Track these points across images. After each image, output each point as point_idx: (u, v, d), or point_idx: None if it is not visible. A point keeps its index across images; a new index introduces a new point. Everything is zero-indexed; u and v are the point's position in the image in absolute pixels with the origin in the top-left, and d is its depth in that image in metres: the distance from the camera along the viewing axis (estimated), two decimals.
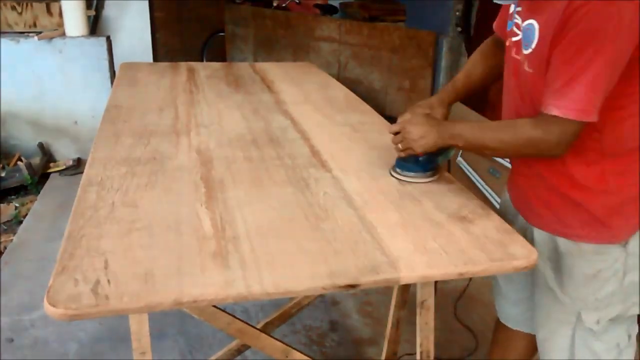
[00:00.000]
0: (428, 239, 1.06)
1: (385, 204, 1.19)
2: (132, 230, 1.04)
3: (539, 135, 1.07)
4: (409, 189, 1.27)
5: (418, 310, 1.20)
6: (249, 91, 2.06)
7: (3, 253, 2.61)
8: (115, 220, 1.07)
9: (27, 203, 3.15)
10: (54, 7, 3.61)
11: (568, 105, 1.02)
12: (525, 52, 1.13)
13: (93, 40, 3.51)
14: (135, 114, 1.69)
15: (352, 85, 3.38)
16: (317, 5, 5.51)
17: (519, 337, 1.53)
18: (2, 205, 3.09)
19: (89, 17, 3.63)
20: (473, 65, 1.43)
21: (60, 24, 3.58)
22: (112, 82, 3.38)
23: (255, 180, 1.29)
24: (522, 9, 1.16)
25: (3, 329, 2.07)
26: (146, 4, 3.99)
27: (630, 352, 1.28)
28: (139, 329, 0.99)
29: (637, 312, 1.24)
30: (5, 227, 2.93)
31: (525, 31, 1.13)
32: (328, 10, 5.48)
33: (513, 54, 1.20)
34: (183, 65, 2.39)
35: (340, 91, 2.14)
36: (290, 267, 0.95)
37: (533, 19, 1.10)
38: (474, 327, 2.20)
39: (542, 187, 1.21)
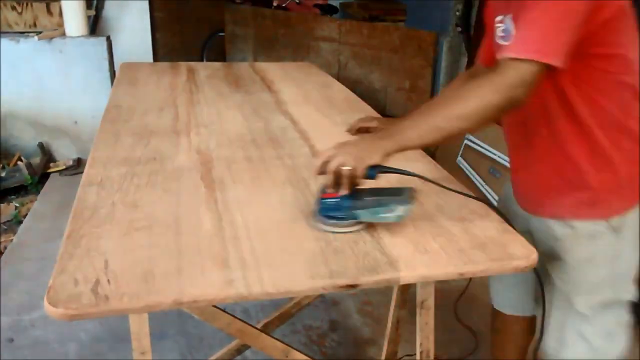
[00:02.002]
0: (428, 239, 1.06)
1: None
2: (132, 230, 1.04)
3: (495, 80, 1.01)
4: None
5: (418, 310, 1.20)
6: (249, 91, 2.06)
7: (3, 253, 2.61)
8: (115, 220, 1.07)
9: (27, 203, 3.15)
10: (54, 7, 3.61)
11: (520, 45, 1.00)
12: (506, 43, 1.09)
13: (93, 40, 3.51)
14: (135, 114, 1.70)
15: (352, 85, 3.38)
16: (317, 5, 5.51)
17: (516, 322, 1.54)
18: (2, 205, 3.09)
19: (89, 17, 3.63)
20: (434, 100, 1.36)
21: (60, 24, 3.58)
22: (112, 82, 3.38)
23: (255, 180, 1.29)
24: (498, 14, 1.17)
25: (3, 329, 2.07)
26: (146, 4, 4.00)
27: (622, 339, 1.29)
28: (139, 329, 0.99)
29: (629, 298, 1.26)
30: (5, 227, 2.93)
31: (504, 30, 1.13)
32: (328, 10, 5.48)
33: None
34: (183, 65, 2.39)
35: (340, 91, 2.14)
36: (291, 267, 0.95)
37: (506, 12, 1.12)
38: (474, 327, 2.20)
39: (542, 175, 1.22)
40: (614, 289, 1.24)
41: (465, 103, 1.02)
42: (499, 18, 1.17)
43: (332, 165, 1.03)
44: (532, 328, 1.49)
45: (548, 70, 1.00)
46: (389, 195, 1.06)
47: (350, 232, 1.06)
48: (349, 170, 1.02)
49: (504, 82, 0.99)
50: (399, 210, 1.03)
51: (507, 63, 1.00)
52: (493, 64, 1.12)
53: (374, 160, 1.03)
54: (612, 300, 1.25)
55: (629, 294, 1.26)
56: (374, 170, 1.04)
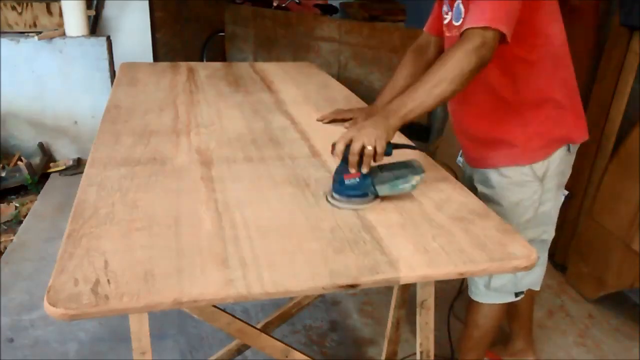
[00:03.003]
0: (428, 238, 1.06)
1: (385, 204, 1.19)
2: (132, 230, 1.04)
3: (465, 46, 1.18)
4: None
5: (418, 310, 1.21)
6: (249, 91, 2.06)
7: (3, 253, 2.61)
8: (115, 220, 1.07)
9: (27, 203, 3.15)
10: (54, 7, 3.61)
11: (478, 18, 1.19)
12: (457, 23, 1.36)
13: (93, 40, 3.51)
14: (135, 114, 1.70)
15: (352, 85, 3.37)
16: (317, 5, 5.51)
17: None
18: (2, 205, 3.09)
19: (89, 17, 3.63)
20: (396, 78, 1.66)
21: (60, 24, 3.58)
22: (112, 82, 3.38)
23: (255, 180, 1.29)
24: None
25: (3, 329, 2.07)
26: (146, 4, 3.99)
27: (537, 272, 1.62)
28: (139, 329, 0.99)
29: (547, 238, 1.57)
30: (5, 227, 2.93)
31: (455, 10, 1.38)
32: (328, 10, 5.48)
33: (448, 34, 1.44)
34: (183, 65, 2.39)
35: (340, 91, 2.15)
36: (290, 267, 0.95)
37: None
38: None
39: (478, 136, 1.51)
40: (537, 229, 1.52)
41: (447, 68, 1.18)
42: (446, 8, 1.44)
43: (356, 147, 1.14)
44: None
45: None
46: (402, 168, 1.18)
47: (369, 205, 1.16)
48: (371, 149, 1.13)
49: (473, 46, 1.18)
50: (414, 179, 1.16)
51: (471, 31, 1.19)
52: (437, 33, 1.58)
53: (389, 137, 1.18)
54: (535, 239, 1.52)
55: (548, 235, 1.57)
56: (390, 147, 1.17)
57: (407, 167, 1.18)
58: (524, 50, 1.33)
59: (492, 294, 1.61)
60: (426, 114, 1.28)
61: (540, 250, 1.54)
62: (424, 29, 1.67)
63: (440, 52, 1.57)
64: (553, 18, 1.36)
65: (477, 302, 1.66)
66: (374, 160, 1.15)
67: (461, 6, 1.35)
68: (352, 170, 1.15)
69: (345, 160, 1.16)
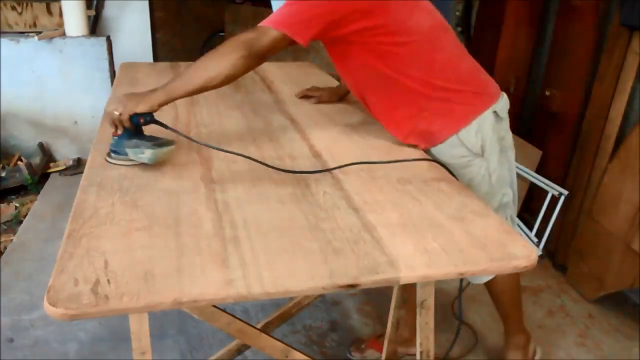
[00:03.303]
0: (428, 239, 1.06)
1: (385, 204, 1.19)
2: (132, 230, 1.04)
3: (242, 38, 1.30)
4: (409, 188, 1.27)
5: (418, 310, 1.21)
6: (249, 91, 2.06)
7: (3, 253, 2.61)
8: (115, 220, 1.07)
9: (27, 203, 3.15)
10: (54, 7, 3.61)
11: (269, 20, 1.32)
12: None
13: (93, 40, 3.51)
14: None
15: None
16: None
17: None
18: (2, 205, 3.09)
19: (89, 17, 3.62)
20: None
21: (60, 24, 3.57)
22: (112, 82, 3.38)
23: (255, 180, 1.29)
24: None
25: (3, 329, 2.07)
26: (146, 4, 3.99)
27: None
28: (139, 329, 0.99)
29: (507, 200, 1.61)
30: (5, 227, 2.93)
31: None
32: None
33: None
34: (183, 65, 2.39)
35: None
36: (290, 267, 0.95)
37: None
38: (473, 327, 2.21)
39: (410, 122, 1.53)
40: (496, 197, 1.58)
41: (219, 58, 1.32)
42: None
43: (106, 109, 1.33)
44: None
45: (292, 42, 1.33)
46: (149, 140, 1.31)
47: (125, 165, 1.29)
48: (117, 115, 1.28)
49: (240, 42, 1.31)
50: (148, 153, 1.27)
51: (255, 29, 1.32)
52: None
53: (140, 109, 1.28)
54: (498, 206, 1.59)
55: (507, 196, 1.61)
56: (137, 118, 1.28)
57: (153, 141, 1.31)
58: (394, 46, 1.41)
59: None
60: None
61: (507, 212, 1.62)
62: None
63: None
64: (407, 14, 1.41)
65: (488, 282, 1.73)
66: (123, 126, 1.29)
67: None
68: (113, 130, 1.31)
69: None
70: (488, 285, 1.79)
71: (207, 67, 1.31)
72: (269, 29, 1.31)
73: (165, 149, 1.30)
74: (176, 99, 1.32)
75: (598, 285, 2.36)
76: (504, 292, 1.82)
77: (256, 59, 1.32)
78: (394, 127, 1.56)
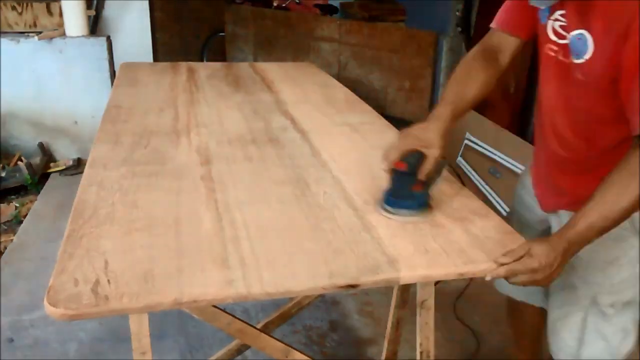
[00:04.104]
0: (428, 239, 1.06)
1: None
2: (132, 230, 1.04)
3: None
4: None
5: (418, 310, 1.20)
6: (249, 91, 2.06)
7: (3, 253, 2.61)
8: (115, 220, 1.07)
9: (27, 203, 3.15)
10: (54, 7, 3.60)
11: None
12: (577, 61, 1.09)
13: (93, 40, 3.51)
14: (135, 114, 1.69)
15: (352, 85, 3.38)
16: (317, 5, 5.51)
17: (531, 311, 1.57)
18: (2, 205, 3.09)
19: (89, 17, 3.62)
20: (464, 86, 1.26)
21: (60, 24, 3.57)
22: (112, 82, 3.37)
23: (255, 180, 1.29)
24: (568, 12, 1.10)
25: (3, 329, 2.07)
26: (146, 4, 3.99)
27: (634, 336, 1.32)
28: (139, 329, 0.99)
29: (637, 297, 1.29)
30: (5, 227, 2.93)
31: (574, 41, 1.08)
32: (328, 10, 5.48)
33: (560, 57, 1.14)
34: (183, 65, 2.39)
35: (340, 91, 2.14)
36: (290, 267, 0.95)
37: (584, 28, 1.06)
38: (475, 327, 2.20)
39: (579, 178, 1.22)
40: (636, 288, 1.26)
41: (636, 196, 0.98)
42: (556, 15, 1.14)
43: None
44: (543, 317, 1.48)
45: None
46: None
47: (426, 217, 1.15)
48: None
49: None
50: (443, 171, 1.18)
51: None
52: (518, 32, 1.25)
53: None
54: (633, 300, 1.27)
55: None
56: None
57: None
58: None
59: None
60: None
61: (637, 312, 1.31)
62: (497, 25, 1.30)
63: (516, 56, 1.30)
64: None
65: None
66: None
67: (589, 39, 1.05)
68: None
69: (410, 172, 1.11)
70: None
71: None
72: None
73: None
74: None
75: None
76: None
77: None
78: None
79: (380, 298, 2.32)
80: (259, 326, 1.85)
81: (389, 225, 1.10)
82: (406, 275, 0.96)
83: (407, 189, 1.12)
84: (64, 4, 3.46)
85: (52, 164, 3.58)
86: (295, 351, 1.27)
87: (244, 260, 0.96)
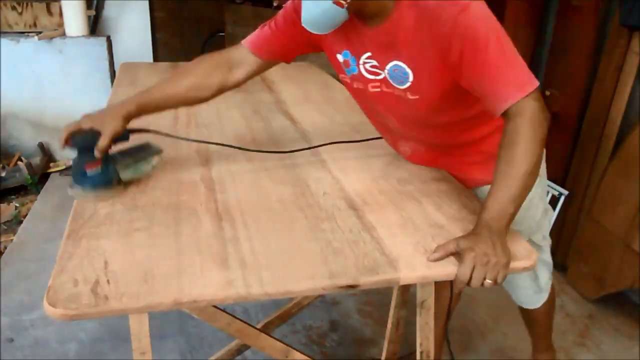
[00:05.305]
0: (428, 239, 1.06)
1: (385, 204, 1.19)
2: (132, 230, 1.04)
3: (531, 121, 1.05)
4: (409, 189, 1.27)
5: (418, 310, 1.21)
6: (249, 91, 2.06)
7: (3, 253, 2.61)
8: (115, 220, 1.07)
9: (27, 203, 3.15)
10: (54, 7, 3.60)
11: (518, 87, 1.06)
12: (403, 87, 1.19)
13: (93, 40, 3.51)
14: None
15: None
16: None
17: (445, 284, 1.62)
18: (2, 205, 3.09)
19: (89, 17, 3.62)
20: (172, 82, 1.33)
21: (61, 24, 3.57)
22: (112, 82, 3.37)
23: (255, 180, 1.29)
24: (374, 53, 1.20)
25: (3, 329, 2.07)
26: (146, 4, 3.99)
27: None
28: (139, 329, 0.99)
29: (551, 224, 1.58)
30: (5, 227, 2.93)
31: (392, 72, 1.19)
32: None
33: (384, 89, 1.23)
34: (183, 65, 2.38)
35: (341, 91, 2.14)
36: (290, 267, 0.95)
37: (396, 59, 1.16)
38: (473, 327, 2.21)
39: (471, 158, 1.36)
40: (549, 218, 1.54)
41: (528, 159, 1.04)
42: (352, 61, 1.26)
43: (476, 283, 0.99)
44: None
45: None
46: (140, 151, 1.24)
47: (114, 193, 1.17)
48: (491, 282, 0.99)
49: (538, 117, 1.05)
50: (154, 160, 1.23)
51: (522, 105, 1.05)
52: (268, 57, 1.37)
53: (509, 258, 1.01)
54: (548, 228, 1.54)
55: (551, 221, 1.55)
56: (127, 133, 1.21)
57: (145, 150, 1.24)
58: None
59: (543, 294, 1.61)
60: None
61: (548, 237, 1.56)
62: (248, 45, 1.37)
63: (253, 77, 1.38)
64: None
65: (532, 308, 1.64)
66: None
67: (405, 67, 1.16)
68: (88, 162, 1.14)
69: (81, 150, 1.15)
70: (525, 310, 1.69)
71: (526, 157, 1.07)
72: (532, 94, 1.07)
73: (161, 150, 1.27)
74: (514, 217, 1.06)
75: (598, 285, 2.36)
76: (541, 313, 1.68)
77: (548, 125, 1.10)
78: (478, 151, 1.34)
79: (380, 298, 2.32)
80: (259, 326, 1.86)
81: (389, 225, 1.10)
82: (406, 275, 0.96)
83: (81, 168, 1.14)
84: (64, 4, 3.46)
85: (52, 164, 3.58)
86: (295, 351, 1.27)
87: (243, 261, 0.96)
